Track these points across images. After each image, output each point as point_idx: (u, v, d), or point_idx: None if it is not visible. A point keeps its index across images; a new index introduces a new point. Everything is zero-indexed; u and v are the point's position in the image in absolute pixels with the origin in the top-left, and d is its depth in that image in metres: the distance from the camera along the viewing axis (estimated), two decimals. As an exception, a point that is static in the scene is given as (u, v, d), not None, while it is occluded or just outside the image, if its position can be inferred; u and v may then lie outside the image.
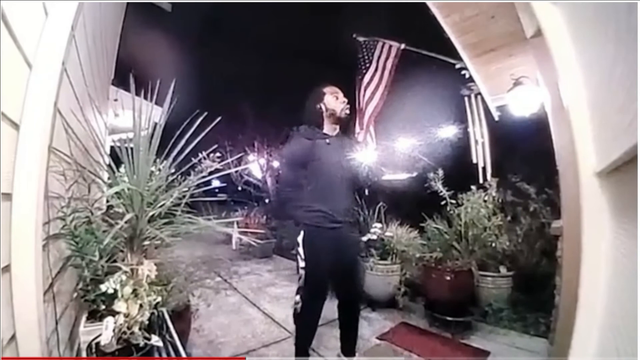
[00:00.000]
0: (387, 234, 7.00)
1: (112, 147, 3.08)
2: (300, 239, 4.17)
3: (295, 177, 4.24)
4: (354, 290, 4.63)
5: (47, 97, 1.80)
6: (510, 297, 6.28)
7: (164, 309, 2.81)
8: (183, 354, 2.28)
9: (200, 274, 4.93)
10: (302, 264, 4.16)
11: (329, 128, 4.39)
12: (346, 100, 4.43)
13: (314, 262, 4.10)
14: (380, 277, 6.53)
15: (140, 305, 1.94)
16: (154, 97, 2.69)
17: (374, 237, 6.90)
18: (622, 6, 1.14)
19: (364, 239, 6.82)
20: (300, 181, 4.22)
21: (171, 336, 2.51)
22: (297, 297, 4.30)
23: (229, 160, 3.56)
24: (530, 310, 5.88)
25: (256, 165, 22.45)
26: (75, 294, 2.35)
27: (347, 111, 4.40)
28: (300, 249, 4.16)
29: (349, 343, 4.55)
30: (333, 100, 4.34)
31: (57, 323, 2.20)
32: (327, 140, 4.29)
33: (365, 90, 8.41)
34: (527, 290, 6.42)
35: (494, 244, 5.88)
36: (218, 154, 3.00)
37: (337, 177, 4.26)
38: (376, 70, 8.31)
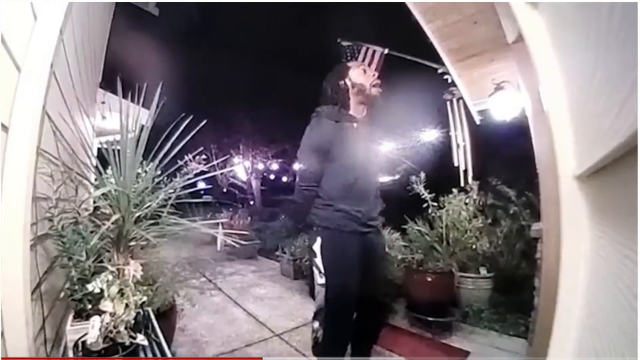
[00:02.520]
0: (370, 235, 6.86)
1: (99, 149, 3.07)
2: (317, 247, 3.48)
3: (317, 169, 3.51)
4: (379, 310, 4.14)
5: (35, 100, 1.80)
6: (490, 298, 6.34)
7: (149, 309, 2.82)
8: (168, 353, 2.29)
9: (185, 274, 4.93)
10: (320, 280, 3.56)
11: (356, 109, 3.70)
12: (376, 74, 3.79)
13: (338, 276, 3.42)
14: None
15: (126, 305, 1.95)
16: (141, 100, 2.70)
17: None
18: (603, 12, 1.15)
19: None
20: (322, 174, 3.52)
21: (156, 335, 2.52)
22: (316, 324, 3.73)
23: (215, 162, 3.54)
24: (510, 311, 5.93)
25: (241, 168, 22.60)
26: (62, 294, 2.35)
27: (379, 88, 3.70)
28: (319, 260, 3.48)
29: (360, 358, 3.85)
30: (360, 74, 3.68)
31: (44, 322, 2.20)
32: (355, 124, 3.62)
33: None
34: (506, 291, 6.49)
35: (474, 246, 5.90)
36: (204, 156, 2.99)
37: (364, 169, 3.58)
38: (360, 74, 8.33)
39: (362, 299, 3.49)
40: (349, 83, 3.64)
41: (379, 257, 3.87)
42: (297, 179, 3.64)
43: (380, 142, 3.82)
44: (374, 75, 3.72)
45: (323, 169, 3.50)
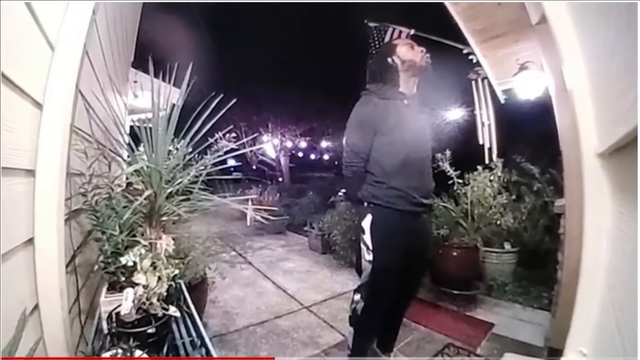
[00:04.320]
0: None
1: (131, 127, 3.08)
2: (367, 224, 3.33)
3: (366, 146, 3.33)
4: (416, 288, 4.00)
5: (69, 78, 1.81)
6: (514, 272, 6.36)
7: (181, 281, 2.85)
8: (200, 324, 2.30)
9: (216, 248, 4.95)
10: (368, 256, 3.33)
11: (407, 85, 3.51)
12: (424, 49, 3.54)
13: (386, 256, 3.28)
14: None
15: (159, 278, 1.96)
16: (172, 79, 2.69)
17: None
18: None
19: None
20: (371, 152, 3.34)
21: (188, 307, 2.54)
22: (357, 297, 3.49)
23: (244, 140, 3.52)
24: (533, 284, 5.96)
25: (270, 146, 22.70)
26: (96, 266, 2.37)
27: (429, 60, 3.50)
28: (367, 237, 3.33)
29: (389, 337, 3.96)
30: (409, 50, 3.49)
31: (78, 293, 2.23)
32: (406, 101, 3.46)
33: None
34: (530, 265, 6.53)
35: (499, 222, 5.88)
36: (233, 134, 2.98)
37: (417, 147, 3.41)
38: (387, 54, 8.26)
39: (406, 278, 3.49)
40: (397, 61, 3.46)
41: (426, 238, 3.83)
42: (345, 155, 3.48)
43: (430, 117, 3.70)
44: (422, 50, 3.51)
45: (371, 146, 3.33)
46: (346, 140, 3.47)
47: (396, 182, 3.26)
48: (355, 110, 3.47)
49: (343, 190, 9.42)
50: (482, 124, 7.38)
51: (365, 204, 3.37)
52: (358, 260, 3.47)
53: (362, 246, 3.39)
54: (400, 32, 8.28)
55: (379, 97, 3.41)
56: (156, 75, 2.56)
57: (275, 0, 11.08)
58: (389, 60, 3.48)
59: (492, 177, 6.11)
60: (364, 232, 3.35)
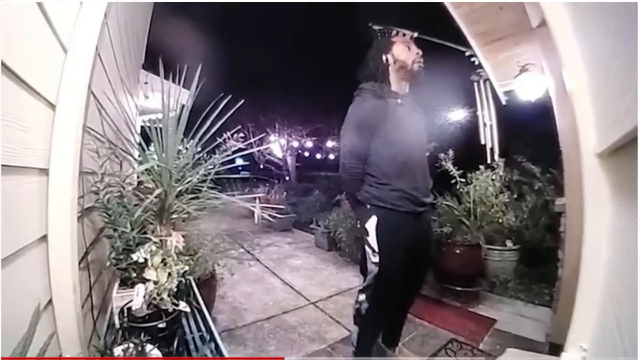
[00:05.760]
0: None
1: (142, 127, 3.09)
2: (371, 226, 3.17)
3: (365, 147, 3.18)
4: (421, 285, 3.84)
5: (81, 80, 1.81)
6: (516, 269, 6.35)
7: (191, 277, 2.85)
8: (209, 319, 2.31)
9: (224, 246, 4.98)
10: (374, 258, 3.17)
11: (398, 85, 3.42)
12: (420, 52, 3.51)
13: (394, 258, 3.15)
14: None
15: (169, 274, 1.97)
16: (182, 80, 2.71)
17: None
18: (620, 3, 1.17)
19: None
20: (370, 153, 3.19)
21: (198, 302, 2.55)
22: (362, 297, 3.34)
23: (252, 140, 3.52)
24: (534, 281, 5.96)
25: (277, 145, 22.71)
26: (108, 263, 2.38)
27: (422, 64, 3.44)
28: (373, 239, 3.17)
29: (394, 333, 3.84)
30: (404, 50, 3.46)
31: (91, 289, 2.24)
32: (399, 100, 3.33)
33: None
34: (532, 263, 6.50)
35: (500, 220, 5.86)
36: (241, 134, 2.98)
37: (415, 146, 3.30)
38: (391, 56, 8.25)
39: (410, 276, 3.38)
40: (390, 59, 3.40)
41: (430, 236, 3.77)
42: (342, 157, 3.34)
43: (425, 117, 3.58)
44: (417, 53, 3.45)
45: (369, 147, 3.17)
46: (345, 141, 3.32)
47: (399, 184, 3.15)
48: (353, 110, 3.34)
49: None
50: (484, 124, 7.38)
51: (368, 205, 3.23)
52: (363, 261, 3.39)
53: (367, 248, 3.24)
54: (404, 34, 8.26)
55: (375, 96, 3.29)
56: (166, 77, 2.59)
57: (284, 1, 11.03)
58: (383, 57, 3.42)
59: (494, 177, 6.05)
60: (368, 235, 3.20)
